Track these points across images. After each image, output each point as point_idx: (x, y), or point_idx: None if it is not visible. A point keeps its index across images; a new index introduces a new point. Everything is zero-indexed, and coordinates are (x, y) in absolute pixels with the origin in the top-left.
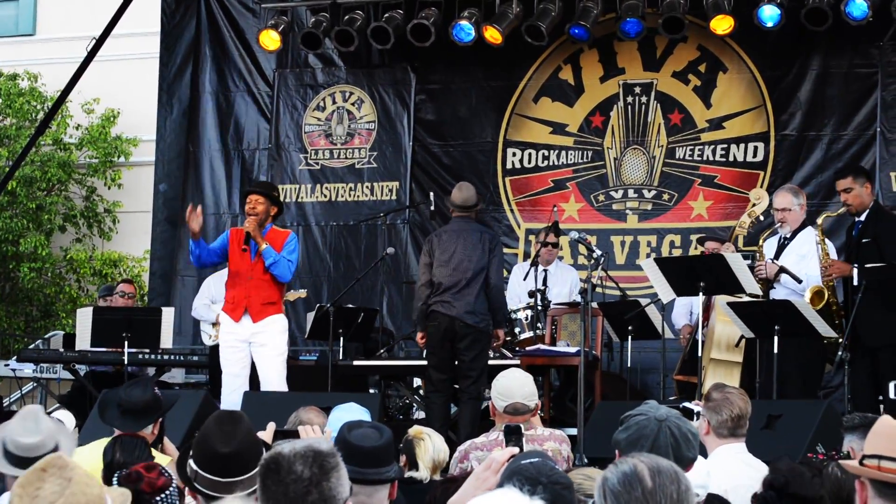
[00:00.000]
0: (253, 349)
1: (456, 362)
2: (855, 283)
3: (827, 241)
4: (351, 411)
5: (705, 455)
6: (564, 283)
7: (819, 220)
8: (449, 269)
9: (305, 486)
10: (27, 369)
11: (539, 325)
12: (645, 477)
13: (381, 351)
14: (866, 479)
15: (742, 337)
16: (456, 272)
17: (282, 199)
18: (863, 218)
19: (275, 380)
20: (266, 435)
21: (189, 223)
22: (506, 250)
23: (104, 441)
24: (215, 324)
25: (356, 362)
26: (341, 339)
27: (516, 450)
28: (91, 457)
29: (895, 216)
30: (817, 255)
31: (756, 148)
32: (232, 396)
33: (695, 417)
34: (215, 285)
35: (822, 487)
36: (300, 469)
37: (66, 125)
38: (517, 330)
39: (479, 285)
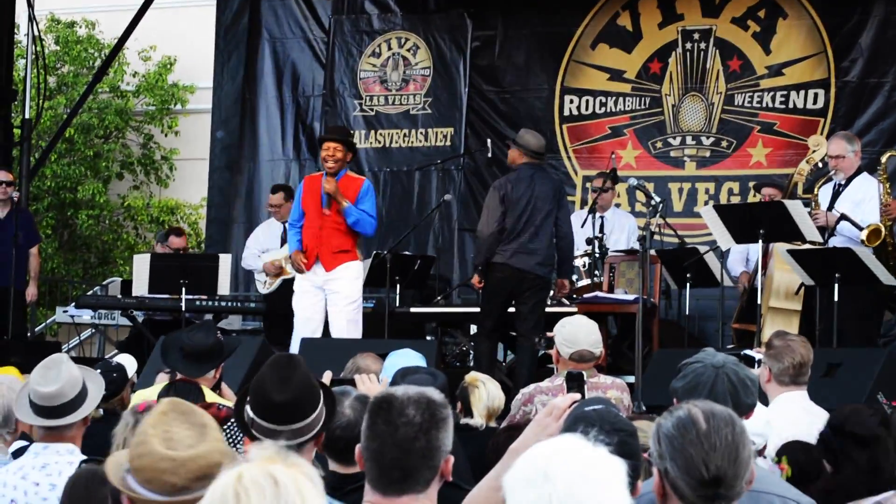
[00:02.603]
0: (327, 296)
1: (512, 309)
2: None
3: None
4: (407, 357)
5: (766, 403)
6: (622, 230)
7: (884, 159)
8: (524, 218)
9: (415, 431)
10: (85, 315)
11: (597, 272)
12: (699, 420)
13: (438, 298)
14: None
15: (802, 285)
16: (528, 221)
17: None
18: None
19: (344, 327)
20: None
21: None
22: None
23: (157, 387)
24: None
25: (413, 309)
26: (398, 286)
27: (578, 396)
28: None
29: None
30: (878, 194)
31: (816, 95)
32: (295, 342)
33: (755, 365)
34: (263, 235)
35: (882, 428)
36: (412, 413)
37: (122, 72)
38: (574, 277)
39: (548, 233)
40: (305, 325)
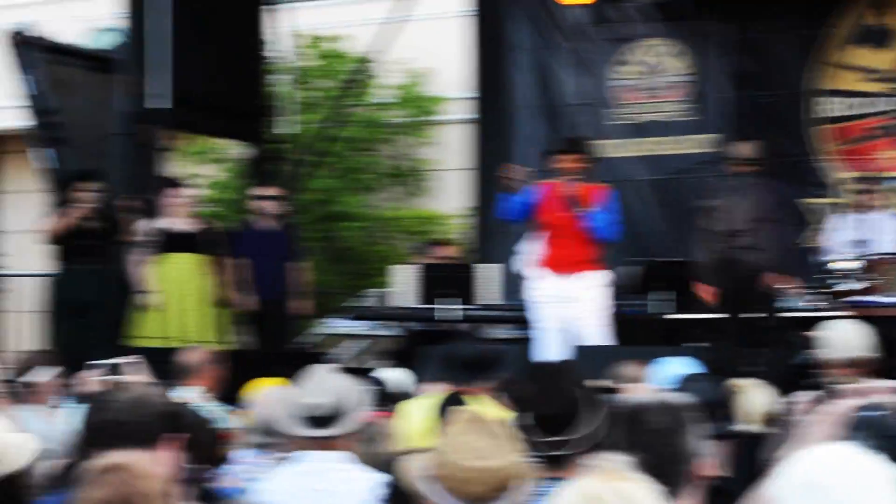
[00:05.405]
0: (571, 305)
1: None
2: None
3: None
4: (675, 365)
5: None
6: (890, 232)
7: None
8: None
9: (661, 436)
10: (349, 326)
11: (863, 276)
12: None
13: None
14: None
15: None
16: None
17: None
18: None
19: (591, 335)
20: None
21: (511, 184)
22: (820, 201)
23: (428, 398)
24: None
25: (674, 316)
26: (662, 293)
27: (855, 402)
28: (418, 413)
29: None
30: None
31: None
32: (548, 351)
33: None
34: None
35: None
36: (657, 419)
37: (380, 87)
38: (832, 282)
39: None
40: (550, 336)
